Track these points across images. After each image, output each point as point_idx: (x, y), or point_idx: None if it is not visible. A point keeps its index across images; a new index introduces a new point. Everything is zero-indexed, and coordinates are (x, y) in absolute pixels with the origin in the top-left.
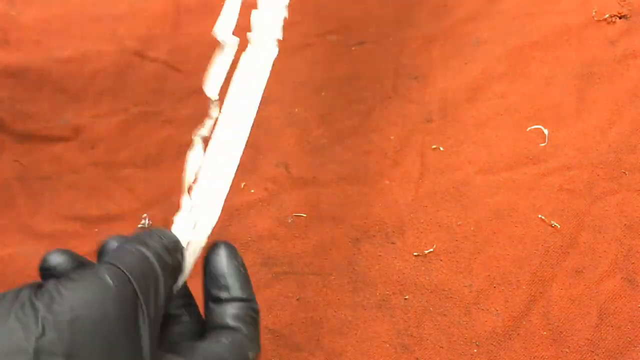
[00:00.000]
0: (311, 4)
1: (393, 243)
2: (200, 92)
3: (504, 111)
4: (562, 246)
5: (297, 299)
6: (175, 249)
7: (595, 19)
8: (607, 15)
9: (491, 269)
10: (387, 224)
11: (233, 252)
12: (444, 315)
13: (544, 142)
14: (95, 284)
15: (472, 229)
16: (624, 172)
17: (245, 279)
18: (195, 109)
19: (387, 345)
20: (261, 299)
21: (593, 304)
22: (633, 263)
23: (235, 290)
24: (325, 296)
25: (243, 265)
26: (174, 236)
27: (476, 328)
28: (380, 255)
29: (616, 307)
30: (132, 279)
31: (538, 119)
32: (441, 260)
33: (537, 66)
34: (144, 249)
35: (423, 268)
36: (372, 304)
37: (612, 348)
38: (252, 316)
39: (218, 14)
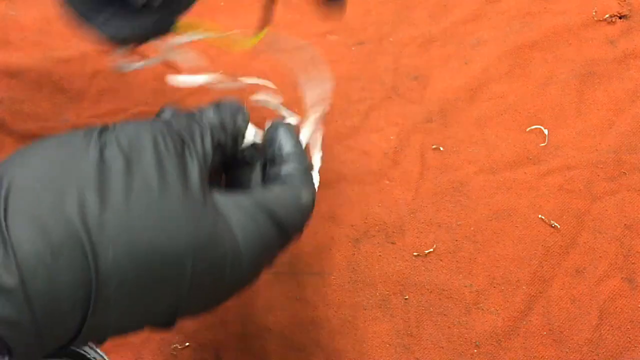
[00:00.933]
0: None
1: (393, 243)
2: (200, 92)
3: (504, 111)
4: (562, 246)
5: (297, 299)
6: (232, 111)
7: (595, 19)
8: (607, 15)
9: (491, 269)
10: (387, 224)
11: (291, 128)
12: (444, 315)
13: (544, 142)
14: (146, 124)
15: (472, 229)
16: (624, 172)
17: (300, 150)
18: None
19: (387, 345)
20: (261, 299)
21: (593, 304)
22: (633, 263)
23: (291, 155)
24: (325, 296)
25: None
26: (234, 102)
27: (476, 328)
28: (380, 255)
29: (616, 307)
30: (176, 126)
31: (538, 119)
32: (441, 260)
33: (537, 66)
34: (191, 112)
35: (423, 268)
36: (372, 304)
37: (612, 348)
38: (305, 168)
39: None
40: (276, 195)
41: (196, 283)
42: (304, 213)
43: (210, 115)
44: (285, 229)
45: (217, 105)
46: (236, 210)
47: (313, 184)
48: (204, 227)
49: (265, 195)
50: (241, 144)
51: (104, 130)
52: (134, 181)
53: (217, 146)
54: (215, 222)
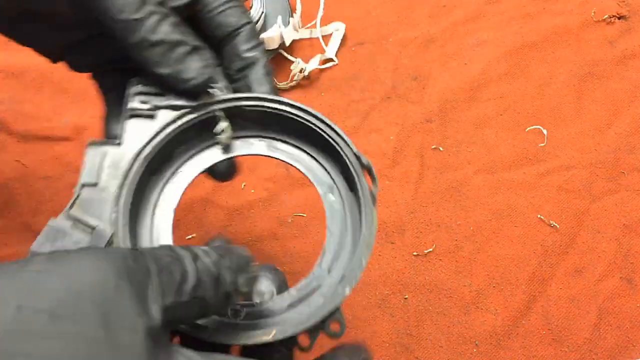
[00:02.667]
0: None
1: (393, 243)
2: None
3: (504, 111)
4: (561, 246)
5: None
6: (238, 266)
7: (595, 19)
8: (606, 16)
9: (491, 269)
10: (387, 223)
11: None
12: (444, 314)
13: (543, 142)
14: (105, 256)
15: (471, 229)
16: (623, 172)
17: None
18: None
19: (387, 344)
20: None
21: (592, 303)
22: (632, 263)
23: None
24: None
25: None
26: (246, 256)
27: (475, 327)
28: (380, 255)
29: (615, 307)
30: (148, 261)
31: (537, 119)
32: (441, 260)
33: (537, 66)
34: (183, 251)
35: (423, 268)
36: (372, 304)
37: (611, 347)
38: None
39: None
40: None
41: None
42: None
43: (207, 263)
44: None
45: (223, 253)
46: None
47: None
48: None
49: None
50: (233, 304)
51: (43, 263)
52: (57, 341)
53: (199, 301)
54: None
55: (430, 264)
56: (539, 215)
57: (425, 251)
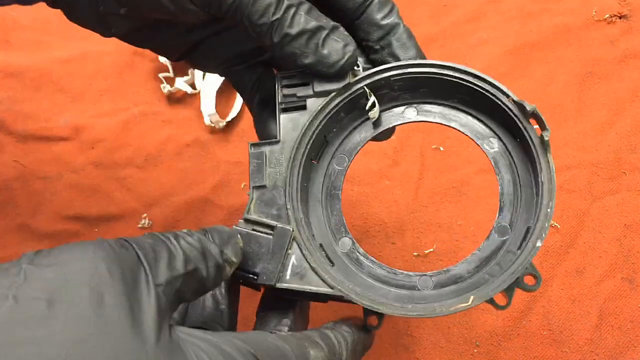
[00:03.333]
0: None
1: (393, 243)
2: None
3: None
4: (562, 246)
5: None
6: (221, 240)
7: (595, 19)
8: (607, 15)
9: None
10: (387, 224)
11: None
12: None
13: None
14: (92, 245)
15: (472, 228)
16: (624, 172)
17: None
18: (195, 109)
19: (388, 345)
20: None
21: (593, 304)
22: (633, 263)
23: None
24: None
25: None
26: (225, 231)
27: (476, 328)
28: (380, 255)
29: (616, 307)
30: (135, 247)
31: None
32: (441, 260)
33: (537, 66)
34: (164, 236)
35: (423, 268)
36: None
37: (612, 348)
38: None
39: None
40: (250, 335)
41: None
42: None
43: (190, 240)
44: None
45: (205, 231)
46: (203, 344)
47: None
48: None
49: (238, 334)
50: (228, 276)
51: (30, 259)
52: (57, 323)
53: (193, 273)
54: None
55: (430, 264)
56: None
57: (426, 251)
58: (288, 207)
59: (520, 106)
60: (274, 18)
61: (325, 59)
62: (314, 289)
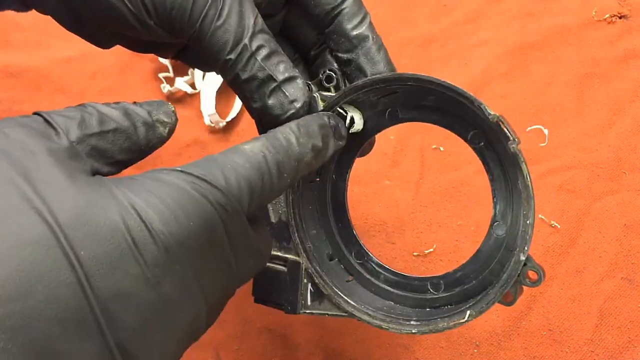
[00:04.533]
0: None
1: (393, 243)
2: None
3: (504, 111)
4: (562, 246)
5: None
6: (151, 105)
7: (595, 19)
8: (607, 16)
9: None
10: (387, 224)
11: None
12: None
13: (544, 142)
14: (4, 120)
15: (472, 229)
16: (624, 172)
17: None
18: (195, 109)
19: (388, 345)
20: None
21: (593, 303)
22: (633, 263)
23: None
24: None
25: None
26: (158, 100)
27: (476, 328)
28: (380, 256)
29: (616, 307)
30: (43, 114)
31: (538, 119)
32: (441, 260)
33: (537, 66)
34: (81, 105)
35: (423, 268)
36: None
37: (612, 348)
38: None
39: None
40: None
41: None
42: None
43: (110, 105)
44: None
45: (133, 103)
46: (150, 182)
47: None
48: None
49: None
50: (164, 136)
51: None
52: None
53: (114, 132)
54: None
55: (430, 264)
56: (540, 216)
57: (426, 251)
58: (296, 242)
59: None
60: (228, 57)
61: (269, 110)
62: (331, 313)
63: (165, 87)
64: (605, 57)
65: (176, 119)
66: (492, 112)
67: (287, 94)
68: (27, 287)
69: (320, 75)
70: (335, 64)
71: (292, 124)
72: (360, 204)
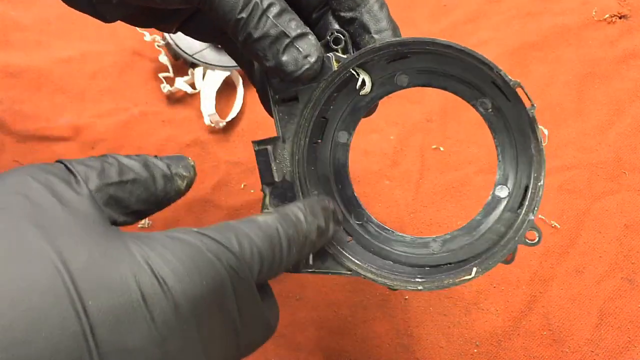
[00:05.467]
0: None
1: None
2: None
3: None
4: (562, 246)
5: (297, 299)
6: (171, 159)
7: (595, 19)
8: (607, 16)
9: (491, 269)
10: (387, 224)
11: None
12: (444, 315)
13: (544, 142)
14: (25, 166)
15: None
16: (624, 172)
17: None
18: (195, 109)
19: (387, 345)
20: None
21: (593, 303)
22: (633, 263)
23: None
24: (325, 296)
25: None
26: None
27: (476, 328)
28: None
29: (616, 307)
30: (64, 162)
31: (538, 119)
32: None
33: (537, 66)
34: (103, 156)
35: None
36: (372, 304)
37: (612, 348)
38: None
39: None
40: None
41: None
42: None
43: (131, 157)
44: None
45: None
46: (166, 241)
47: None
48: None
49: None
50: (181, 189)
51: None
52: None
53: (132, 182)
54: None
55: None
56: (540, 216)
57: None
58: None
59: (505, 81)
60: (239, 16)
61: (283, 66)
62: (334, 271)
63: (165, 87)
64: (605, 57)
65: (195, 174)
66: (512, 79)
67: (300, 49)
68: (32, 333)
69: (328, 37)
70: (337, 26)
71: (299, 204)
72: None
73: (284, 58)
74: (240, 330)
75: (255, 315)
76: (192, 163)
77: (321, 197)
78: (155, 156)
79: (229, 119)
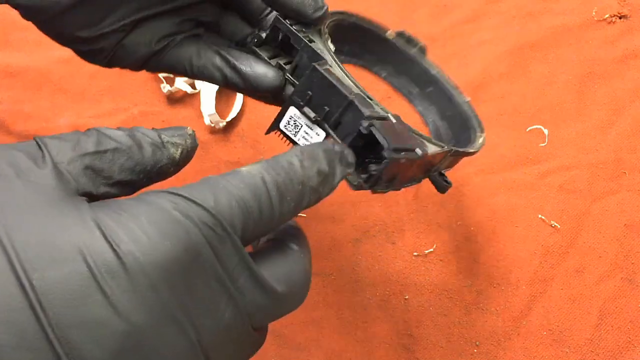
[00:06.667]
0: None
1: (393, 243)
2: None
3: (504, 111)
4: (562, 246)
5: None
6: (165, 129)
7: (596, 19)
8: (607, 15)
9: (491, 269)
10: (387, 224)
11: None
12: (444, 315)
13: (544, 142)
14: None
15: (472, 229)
16: (624, 172)
17: None
18: (195, 109)
19: (387, 345)
20: None
21: (593, 304)
22: (633, 263)
23: None
24: (325, 296)
25: None
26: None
27: (476, 328)
28: (380, 255)
29: (616, 307)
30: (36, 138)
31: (538, 119)
32: (441, 260)
33: (537, 66)
34: (85, 131)
35: (423, 268)
36: (372, 304)
37: (612, 348)
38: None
39: None
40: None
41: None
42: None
43: (118, 129)
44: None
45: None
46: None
47: None
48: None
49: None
50: (176, 156)
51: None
52: None
53: (113, 151)
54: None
55: (430, 264)
56: (539, 216)
57: (426, 251)
58: None
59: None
60: None
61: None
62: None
63: (165, 87)
64: (605, 57)
65: (194, 143)
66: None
67: None
68: None
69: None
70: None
71: (295, 149)
72: (361, 204)
73: None
74: (237, 294)
75: (250, 278)
76: (191, 132)
77: (325, 140)
78: (153, 128)
79: (229, 119)
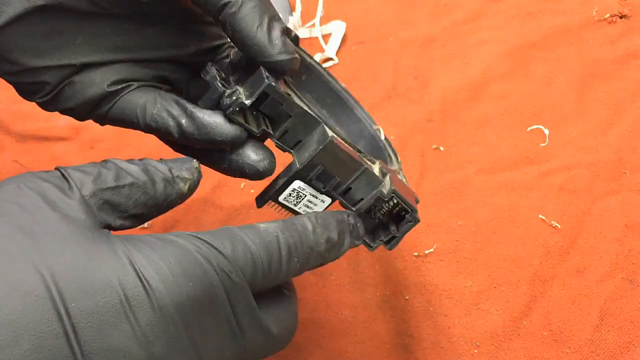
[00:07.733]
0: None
1: None
2: None
3: (504, 111)
4: (562, 246)
5: (297, 299)
6: (174, 161)
7: (596, 18)
8: (608, 15)
9: (491, 269)
10: None
11: None
12: (444, 315)
13: (545, 142)
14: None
15: (472, 229)
16: (625, 172)
17: None
18: None
19: (387, 345)
20: None
21: (593, 304)
22: (634, 263)
23: None
24: (325, 296)
25: None
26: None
27: (476, 328)
28: (380, 255)
29: (617, 308)
30: (60, 169)
31: (538, 119)
32: (441, 260)
33: (538, 66)
34: (102, 162)
35: (423, 268)
36: (372, 304)
37: (612, 348)
38: None
39: None
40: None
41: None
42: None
43: (131, 162)
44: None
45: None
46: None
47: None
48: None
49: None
50: (183, 192)
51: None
52: None
53: (129, 186)
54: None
55: (431, 264)
56: (540, 216)
57: (426, 251)
58: None
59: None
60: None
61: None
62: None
63: None
64: (605, 57)
65: (199, 176)
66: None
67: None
68: (16, 336)
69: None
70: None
71: (311, 215)
72: None
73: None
74: (239, 334)
75: (253, 321)
76: (197, 165)
77: (342, 210)
78: (161, 159)
79: None
